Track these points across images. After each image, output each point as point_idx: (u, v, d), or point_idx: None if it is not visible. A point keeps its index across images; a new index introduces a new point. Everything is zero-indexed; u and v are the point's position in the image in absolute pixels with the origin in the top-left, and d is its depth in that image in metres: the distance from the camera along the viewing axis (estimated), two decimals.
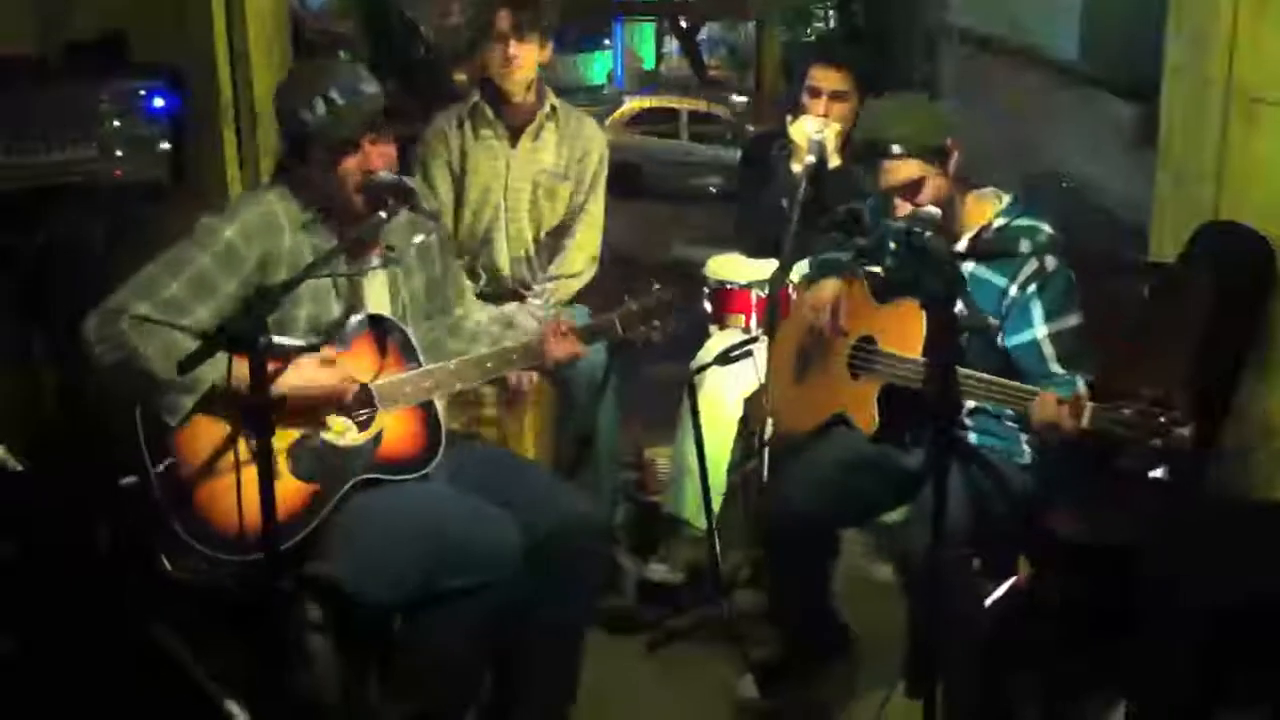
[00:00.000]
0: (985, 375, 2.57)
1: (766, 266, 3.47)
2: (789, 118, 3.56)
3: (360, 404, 2.54)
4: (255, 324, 2.11)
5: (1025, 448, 2.79)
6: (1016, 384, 2.54)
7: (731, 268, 3.69)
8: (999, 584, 2.92)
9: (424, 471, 2.59)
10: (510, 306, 3.57)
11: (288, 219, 2.53)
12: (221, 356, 2.26)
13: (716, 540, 3.31)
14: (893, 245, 2.95)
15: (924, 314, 2.71)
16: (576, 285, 3.60)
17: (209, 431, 2.42)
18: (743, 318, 3.62)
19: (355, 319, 2.57)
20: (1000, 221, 2.76)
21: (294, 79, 2.63)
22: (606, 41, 23.72)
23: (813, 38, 12.68)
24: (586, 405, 3.50)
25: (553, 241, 3.63)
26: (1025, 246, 2.69)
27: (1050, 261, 2.67)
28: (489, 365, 2.68)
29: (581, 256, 3.60)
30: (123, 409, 2.44)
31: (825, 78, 3.51)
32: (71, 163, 3.20)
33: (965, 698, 2.69)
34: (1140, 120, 5.48)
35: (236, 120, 3.60)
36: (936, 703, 2.36)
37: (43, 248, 3.24)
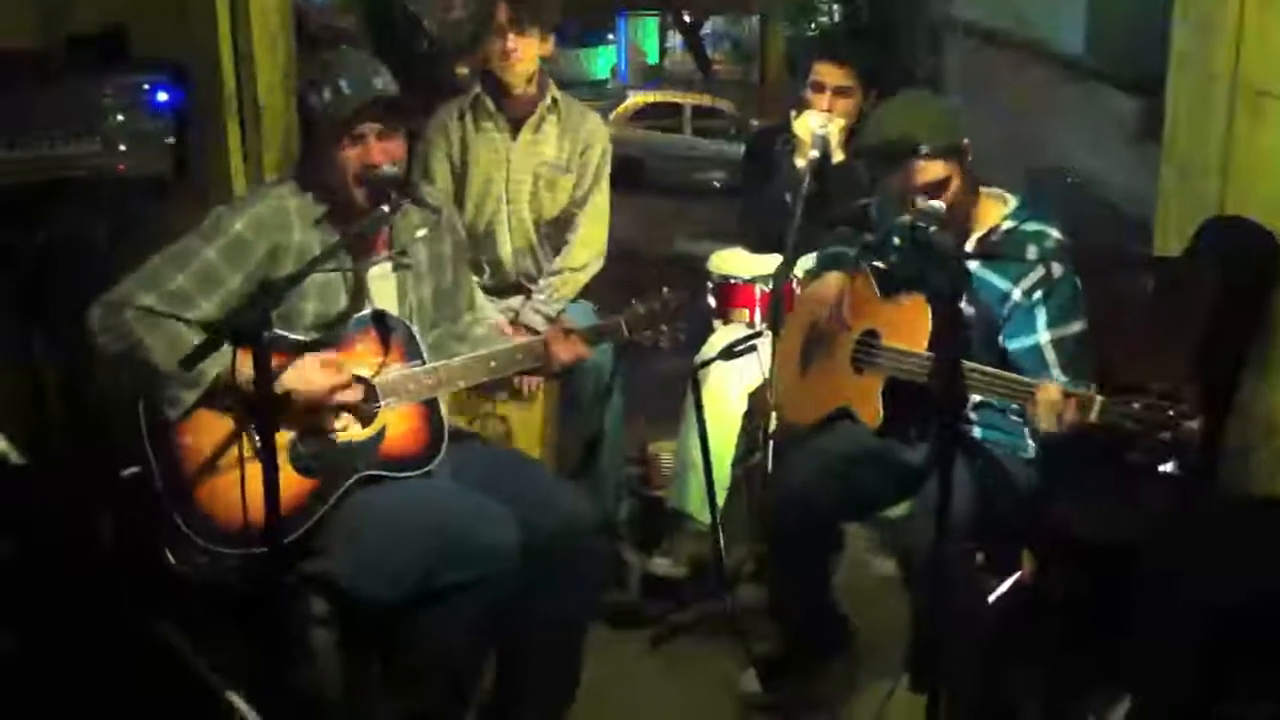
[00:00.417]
0: (989, 369, 2.56)
1: (770, 261, 3.47)
2: (793, 113, 3.56)
3: (363, 400, 2.54)
4: (260, 317, 2.10)
5: (1029, 442, 2.79)
6: (1019, 377, 2.53)
7: (735, 262, 3.69)
8: (1003, 579, 2.92)
9: (427, 469, 2.59)
10: (515, 301, 3.57)
11: (299, 215, 2.53)
12: (226, 350, 2.25)
13: (720, 535, 3.31)
14: (897, 240, 2.94)
15: (930, 309, 2.70)
16: (582, 279, 3.60)
17: (211, 425, 2.42)
18: (746, 313, 3.61)
19: (358, 315, 2.56)
20: (1009, 224, 2.75)
21: (313, 68, 2.65)
22: (610, 36, 23.71)
23: (816, 32, 12.67)
24: (591, 405, 3.50)
25: (556, 234, 3.62)
26: (1033, 253, 2.68)
27: (1057, 268, 2.66)
28: (493, 364, 2.67)
29: (586, 251, 3.60)
30: (125, 402, 2.44)
31: (829, 73, 3.50)
32: (74, 157, 3.20)
33: (968, 693, 2.69)
34: (1145, 114, 5.47)
35: (240, 115, 3.59)
36: (939, 698, 2.37)
37: (45, 244, 3.24)
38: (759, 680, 3.13)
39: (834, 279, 3.00)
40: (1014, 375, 2.55)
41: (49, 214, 3.24)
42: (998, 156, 3.43)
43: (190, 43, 3.48)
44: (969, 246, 2.75)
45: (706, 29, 21.23)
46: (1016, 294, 2.68)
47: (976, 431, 2.81)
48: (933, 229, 2.60)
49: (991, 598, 2.81)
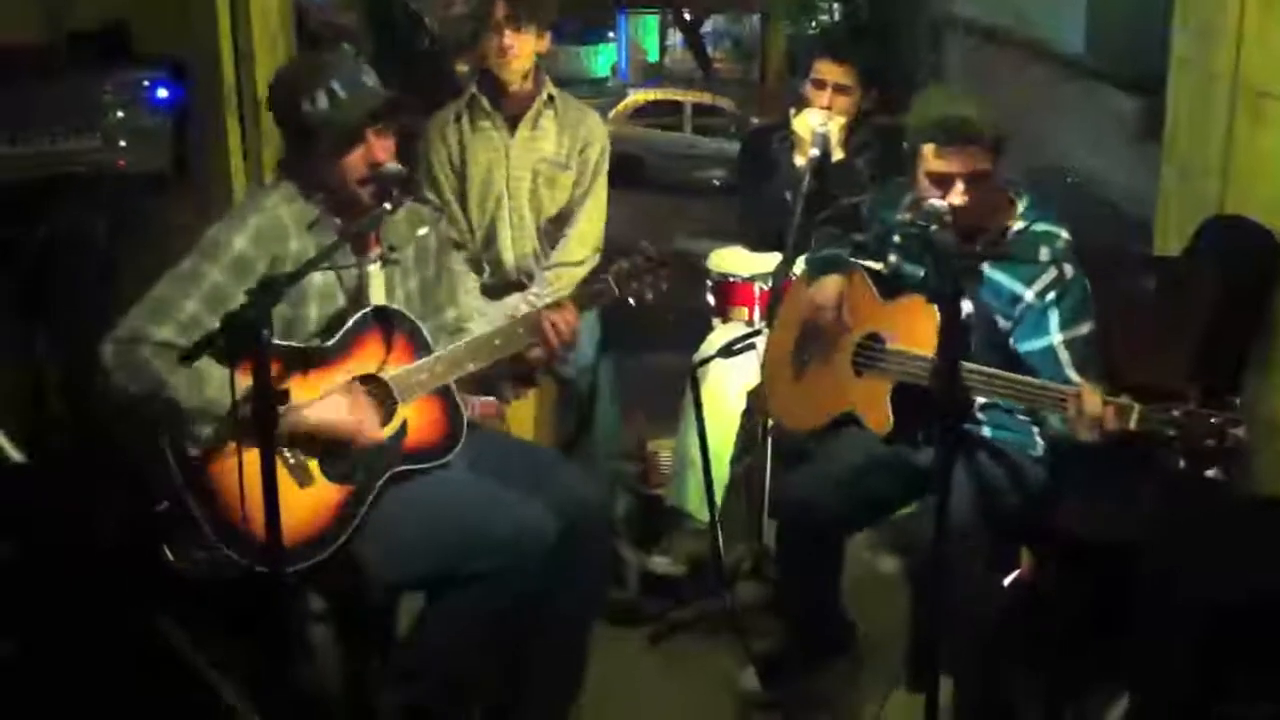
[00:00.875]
0: (1014, 375, 2.54)
1: (770, 259, 3.47)
2: (792, 110, 3.56)
3: (380, 398, 2.54)
4: (259, 315, 2.08)
5: (1038, 440, 2.78)
6: (1048, 383, 2.51)
7: (734, 261, 3.69)
8: (1003, 577, 2.92)
9: (450, 456, 2.60)
10: (513, 298, 3.57)
11: (293, 222, 2.51)
12: (242, 380, 2.23)
13: (719, 533, 3.32)
14: (897, 239, 2.94)
15: (936, 311, 2.68)
16: (578, 274, 3.59)
17: (237, 449, 2.39)
18: (746, 311, 3.61)
19: (360, 314, 2.55)
20: (1019, 225, 2.74)
21: (292, 72, 2.60)
22: (610, 34, 23.70)
23: (817, 31, 12.67)
24: (584, 379, 3.49)
25: (555, 232, 3.62)
26: (1045, 254, 2.67)
27: (1068, 269, 2.66)
28: (497, 343, 2.67)
29: (582, 246, 3.59)
30: (144, 433, 2.40)
31: (830, 71, 3.50)
32: (75, 153, 3.20)
33: (969, 691, 2.70)
34: (1145, 114, 5.47)
35: (240, 111, 3.59)
36: (938, 696, 2.37)
37: (45, 240, 3.24)
38: (758, 678, 3.13)
39: (833, 281, 2.97)
40: (1040, 380, 2.53)
41: (50, 210, 3.24)
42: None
43: (190, 39, 3.48)
44: (979, 248, 2.74)
45: (707, 27, 21.21)
46: (1029, 295, 2.67)
47: (985, 431, 2.80)
48: (933, 228, 2.59)
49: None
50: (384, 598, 2.63)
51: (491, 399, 3.32)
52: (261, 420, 2.08)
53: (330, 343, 2.51)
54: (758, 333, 3.22)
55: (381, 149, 2.51)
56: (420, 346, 2.61)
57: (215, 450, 2.38)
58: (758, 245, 3.66)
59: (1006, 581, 2.97)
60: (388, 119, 2.52)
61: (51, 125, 3.16)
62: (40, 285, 3.23)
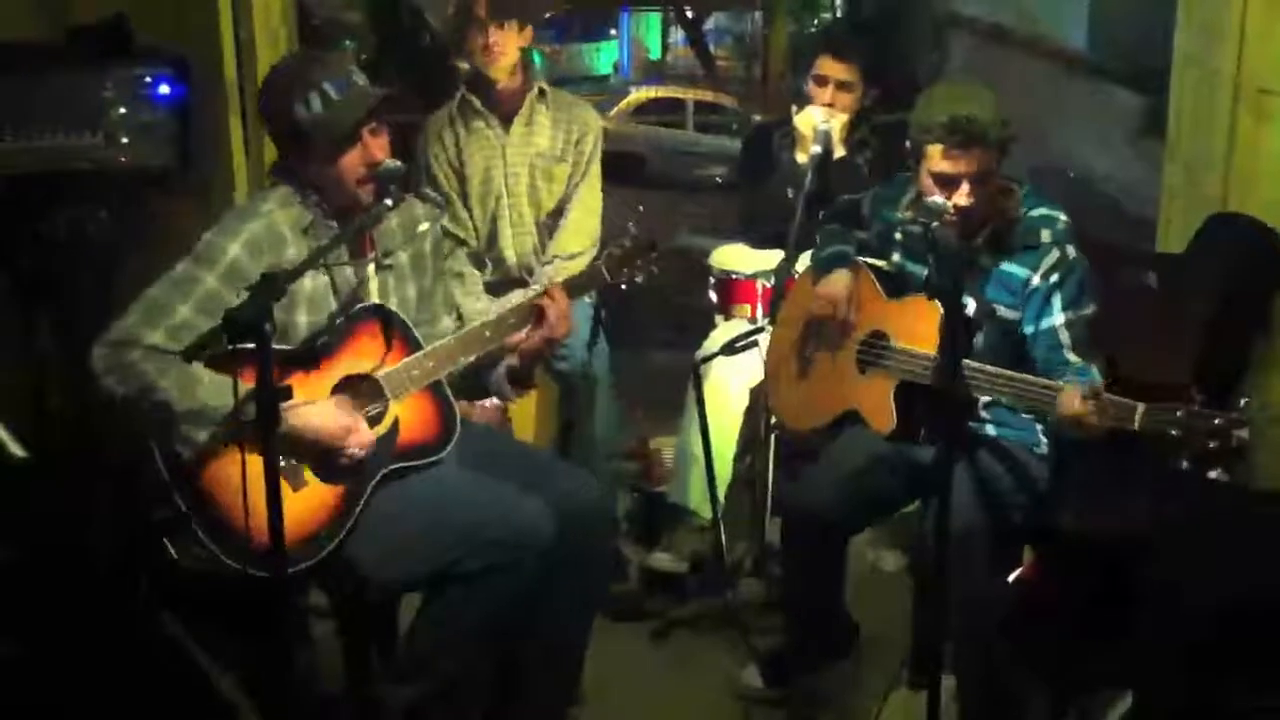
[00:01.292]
0: (1007, 371, 2.54)
1: (772, 257, 3.47)
2: (794, 108, 3.55)
3: (370, 396, 2.54)
4: (261, 311, 2.07)
5: (1042, 438, 2.78)
6: (1038, 379, 2.51)
7: (737, 258, 3.69)
8: (1006, 575, 2.91)
9: (444, 452, 2.59)
10: (515, 294, 3.56)
11: (289, 228, 2.49)
12: (228, 385, 2.24)
13: (722, 529, 3.32)
14: (899, 237, 2.93)
15: (940, 310, 2.68)
16: (577, 267, 3.58)
17: (230, 453, 2.37)
18: (748, 308, 3.61)
19: (349, 312, 2.52)
20: (1018, 213, 2.74)
21: (282, 75, 2.55)
22: (612, 32, 23.70)
23: (818, 28, 12.68)
24: (579, 373, 3.49)
25: (553, 224, 3.63)
26: (1046, 237, 2.68)
27: (1070, 250, 2.67)
28: (488, 334, 2.65)
29: (577, 238, 3.59)
30: (136, 437, 2.38)
31: (832, 68, 3.50)
32: (76, 149, 3.19)
33: (971, 688, 2.69)
34: (1148, 111, 5.47)
35: (242, 108, 3.59)
36: (940, 695, 2.37)
37: (47, 236, 3.24)
38: (760, 675, 3.13)
39: (840, 277, 2.94)
40: (1030, 377, 2.52)
41: (51, 206, 3.24)
42: None
43: (192, 36, 3.48)
44: (981, 240, 2.73)
45: (709, 24, 21.22)
46: (1036, 279, 2.67)
47: (989, 429, 2.79)
48: (935, 225, 2.58)
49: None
50: (384, 595, 2.63)
51: (491, 401, 3.32)
52: (265, 417, 2.07)
53: (321, 343, 2.49)
54: (760, 330, 3.22)
55: (378, 147, 2.50)
56: (410, 343, 2.59)
57: (208, 454, 2.36)
58: (760, 243, 3.66)
59: (1009, 580, 2.97)
60: (380, 116, 2.51)
61: (52, 121, 3.16)
62: (42, 281, 3.23)
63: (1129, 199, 5.32)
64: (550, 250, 3.59)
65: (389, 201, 2.47)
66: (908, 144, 2.71)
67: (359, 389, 2.53)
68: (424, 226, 2.69)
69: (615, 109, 15.64)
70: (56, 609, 2.70)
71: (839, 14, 12.74)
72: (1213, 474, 2.24)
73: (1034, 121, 6.44)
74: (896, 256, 2.95)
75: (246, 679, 2.72)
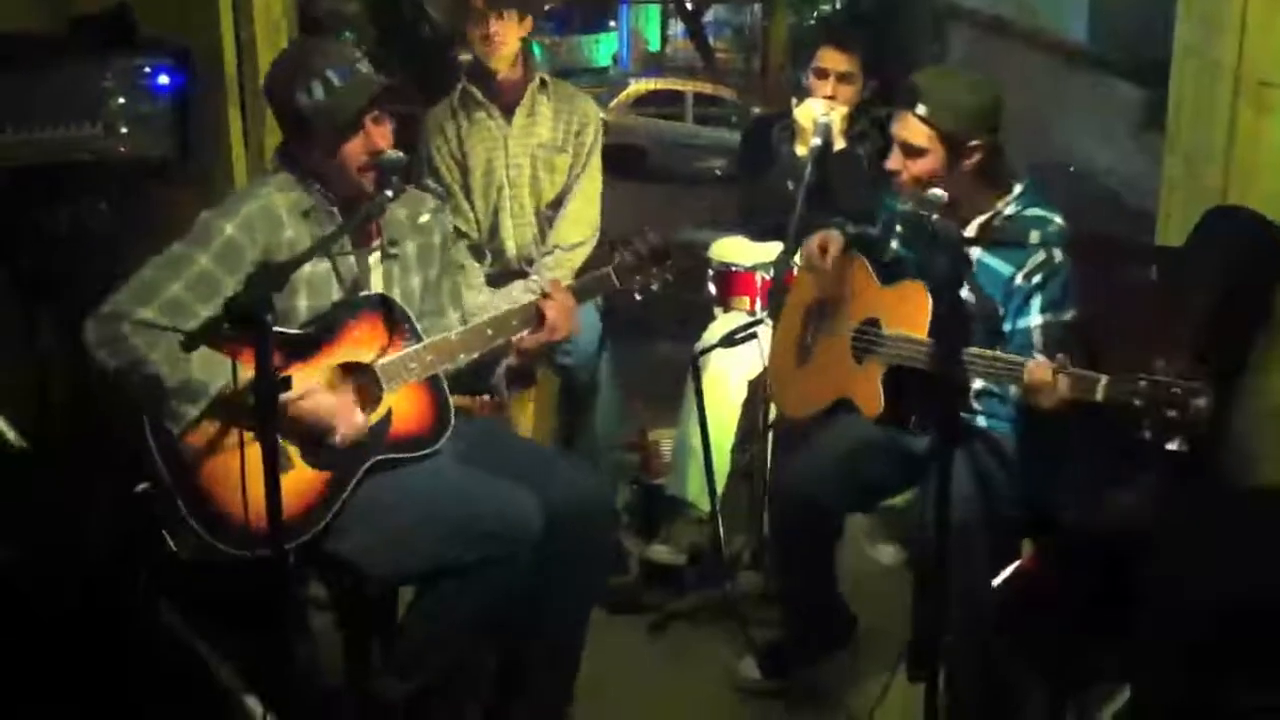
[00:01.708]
0: (977, 349, 2.55)
1: (771, 249, 3.47)
2: (794, 100, 3.55)
3: (366, 384, 2.54)
4: (261, 300, 2.07)
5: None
6: (1007, 355, 2.52)
7: (736, 250, 3.68)
8: (1003, 568, 2.91)
9: (436, 447, 2.59)
10: (515, 286, 3.57)
11: (287, 210, 2.50)
12: (224, 363, 2.24)
13: (720, 522, 3.32)
14: (899, 227, 2.94)
15: (929, 294, 2.69)
16: (578, 258, 3.59)
17: (220, 431, 2.39)
18: (747, 300, 3.61)
19: (352, 301, 2.53)
20: (1011, 210, 2.74)
21: (286, 62, 2.57)
22: (612, 23, 23.67)
23: (817, 20, 12.67)
24: (585, 375, 3.50)
25: (553, 215, 3.63)
26: (1035, 238, 2.67)
27: (1057, 253, 2.66)
28: (489, 332, 2.65)
29: (577, 229, 3.59)
30: (128, 413, 2.39)
31: (832, 59, 3.49)
32: (76, 140, 3.19)
33: (967, 682, 2.70)
34: (1148, 103, 5.46)
35: (241, 99, 3.58)
36: (938, 687, 2.37)
37: (47, 227, 3.24)
38: (758, 667, 3.14)
39: (822, 233, 2.96)
40: (1007, 355, 2.54)
41: (51, 198, 3.23)
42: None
43: (192, 27, 3.47)
44: (969, 232, 2.74)
45: (708, 17, 21.18)
46: (1019, 278, 2.68)
47: (980, 420, 2.80)
48: (934, 216, 2.59)
49: (993, 585, 2.81)
50: (380, 588, 2.63)
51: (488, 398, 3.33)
52: (264, 408, 2.08)
53: (320, 329, 2.50)
54: (759, 322, 3.22)
55: (380, 136, 2.50)
56: (409, 334, 2.60)
57: (198, 434, 2.37)
58: (759, 235, 3.66)
59: (1008, 571, 2.97)
60: (384, 105, 2.51)
61: (52, 113, 3.16)
62: (43, 272, 3.23)
63: (1129, 191, 5.33)
64: (550, 240, 3.59)
65: (390, 193, 2.48)
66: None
67: (355, 377, 2.53)
68: (425, 218, 2.69)
69: (615, 101, 15.62)
70: (56, 600, 2.70)
71: (838, 6, 12.72)
72: (1172, 445, 2.25)
73: (1034, 114, 6.44)
74: (894, 244, 2.96)
75: (246, 669, 2.72)
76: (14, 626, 2.62)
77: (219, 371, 2.31)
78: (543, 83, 3.57)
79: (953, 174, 2.67)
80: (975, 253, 2.74)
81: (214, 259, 2.41)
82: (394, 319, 2.58)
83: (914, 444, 2.82)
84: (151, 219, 3.29)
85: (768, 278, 3.51)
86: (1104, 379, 2.31)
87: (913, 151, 2.67)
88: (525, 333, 2.69)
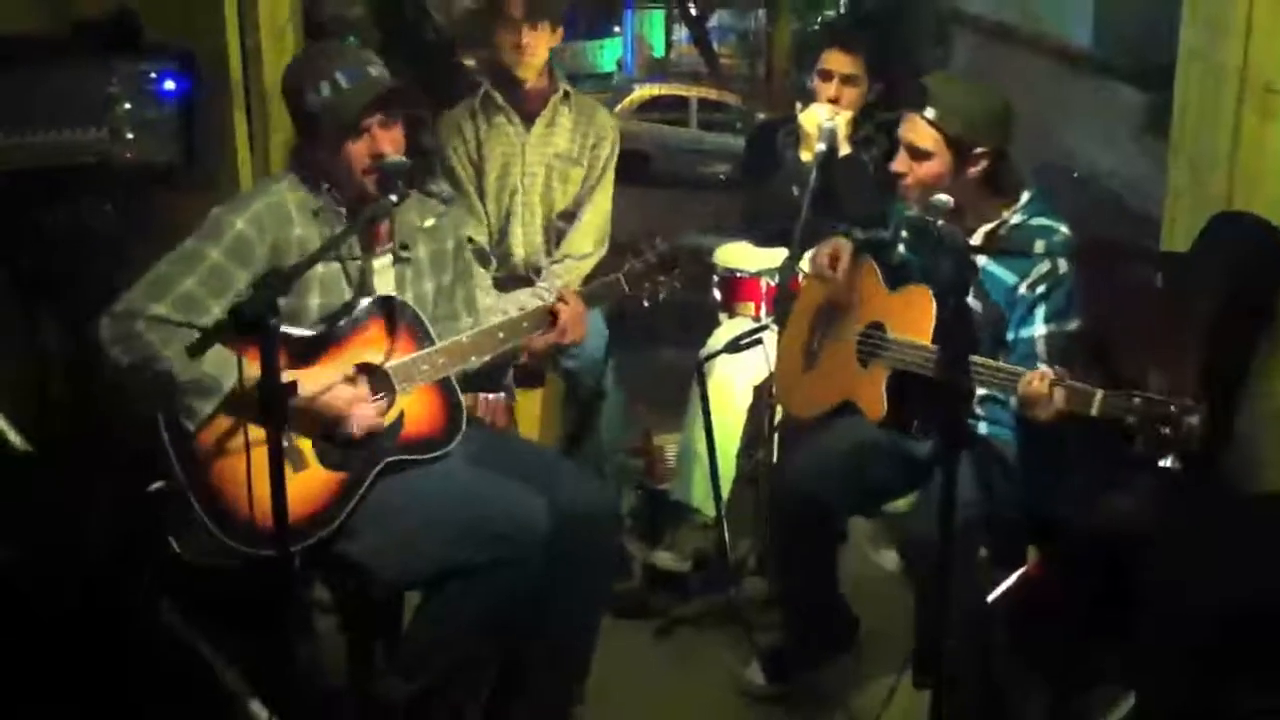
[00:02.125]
0: (994, 362, 2.55)
1: (776, 255, 3.47)
2: (798, 105, 3.55)
3: (379, 389, 2.54)
4: (266, 305, 2.08)
5: None
6: (1006, 366, 2.52)
7: (741, 256, 3.68)
8: (1008, 574, 2.91)
9: (448, 449, 2.60)
10: (522, 292, 3.57)
11: (296, 208, 2.52)
12: (233, 359, 2.25)
13: (725, 527, 3.32)
14: (905, 232, 2.94)
15: (933, 299, 2.69)
16: (586, 267, 3.60)
17: (234, 429, 2.40)
18: (752, 306, 3.61)
19: (364, 303, 2.56)
20: (1017, 219, 2.73)
21: (301, 62, 2.61)
22: (616, 29, 23.67)
23: (818, 26, 12.67)
24: (592, 387, 3.50)
25: (563, 225, 3.63)
26: (1040, 247, 2.67)
27: (1062, 264, 2.66)
28: (501, 335, 2.68)
29: (588, 238, 3.60)
30: (140, 411, 2.40)
31: (837, 61, 3.50)
32: (81, 144, 3.20)
33: (971, 687, 2.69)
34: (1152, 108, 5.46)
35: (247, 104, 3.59)
36: (943, 693, 2.36)
37: (50, 228, 3.24)
38: (763, 673, 3.13)
39: (831, 240, 2.98)
40: (1006, 365, 2.54)
41: (56, 201, 3.24)
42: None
43: (197, 32, 3.48)
44: (975, 240, 2.74)
45: (713, 22, 21.17)
46: (1023, 288, 2.67)
47: (982, 427, 2.80)
48: (941, 222, 2.59)
49: (997, 592, 2.80)
50: (386, 591, 2.63)
51: (496, 396, 3.33)
52: (269, 413, 2.08)
53: (331, 329, 2.51)
54: (764, 327, 3.22)
55: (387, 140, 2.51)
56: (422, 337, 2.61)
57: (211, 431, 2.38)
58: (764, 240, 3.66)
59: (1013, 578, 2.96)
60: (393, 109, 2.52)
61: (57, 117, 3.16)
62: (46, 276, 3.23)
63: (1134, 197, 5.32)
64: (561, 250, 3.60)
65: (394, 198, 2.49)
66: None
67: (368, 378, 2.54)
68: (430, 221, 2.70)
69: (619, 106, 15.62)
70: (56, 600, 2.70)
71: (842, 10, 12.72)
72: (1165, 462, 2.26)
73: (1038, 119, 6.44)
74: (901, 249, 2.96)
75: (250, 671, 2.73)
76: (14, 627, 2.62)
77: (232, 368, 2.31)
78: (565, 94, 3.58)
79: (959, 180, 2.67)
80: (980, 260, 2.73)
81: (225, 253, 2.42)
82: (406, 321, 2.60)
83: (916, 448, 2.83)
84: (156, 222, 3.29)
85: (773, 283, 3.51)
86: (1099, 394, 2.32)
87: (919, 155, 2.67)
88: (537, 333, 2.73)
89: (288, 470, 2.36)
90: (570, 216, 3.62)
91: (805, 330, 3.09)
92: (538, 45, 3.45)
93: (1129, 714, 2.72)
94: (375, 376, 2.55)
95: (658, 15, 23.38)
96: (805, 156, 3.45)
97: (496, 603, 2.51)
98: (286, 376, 2.16)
